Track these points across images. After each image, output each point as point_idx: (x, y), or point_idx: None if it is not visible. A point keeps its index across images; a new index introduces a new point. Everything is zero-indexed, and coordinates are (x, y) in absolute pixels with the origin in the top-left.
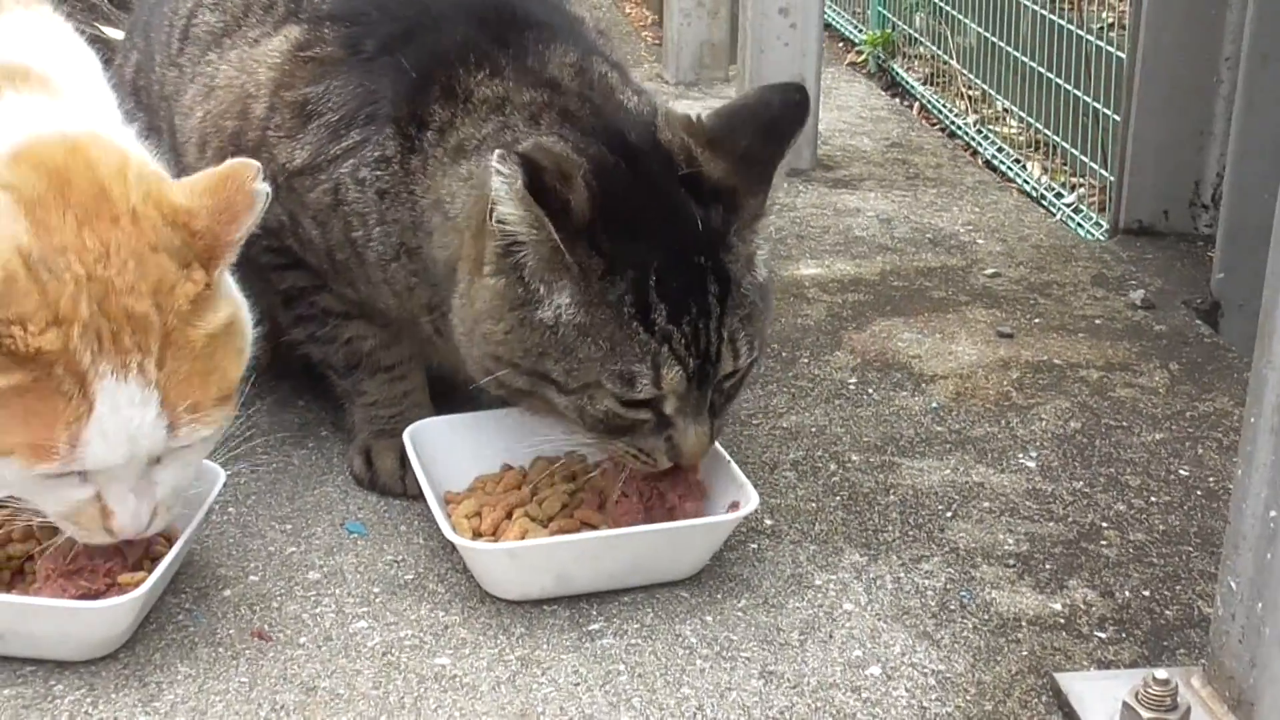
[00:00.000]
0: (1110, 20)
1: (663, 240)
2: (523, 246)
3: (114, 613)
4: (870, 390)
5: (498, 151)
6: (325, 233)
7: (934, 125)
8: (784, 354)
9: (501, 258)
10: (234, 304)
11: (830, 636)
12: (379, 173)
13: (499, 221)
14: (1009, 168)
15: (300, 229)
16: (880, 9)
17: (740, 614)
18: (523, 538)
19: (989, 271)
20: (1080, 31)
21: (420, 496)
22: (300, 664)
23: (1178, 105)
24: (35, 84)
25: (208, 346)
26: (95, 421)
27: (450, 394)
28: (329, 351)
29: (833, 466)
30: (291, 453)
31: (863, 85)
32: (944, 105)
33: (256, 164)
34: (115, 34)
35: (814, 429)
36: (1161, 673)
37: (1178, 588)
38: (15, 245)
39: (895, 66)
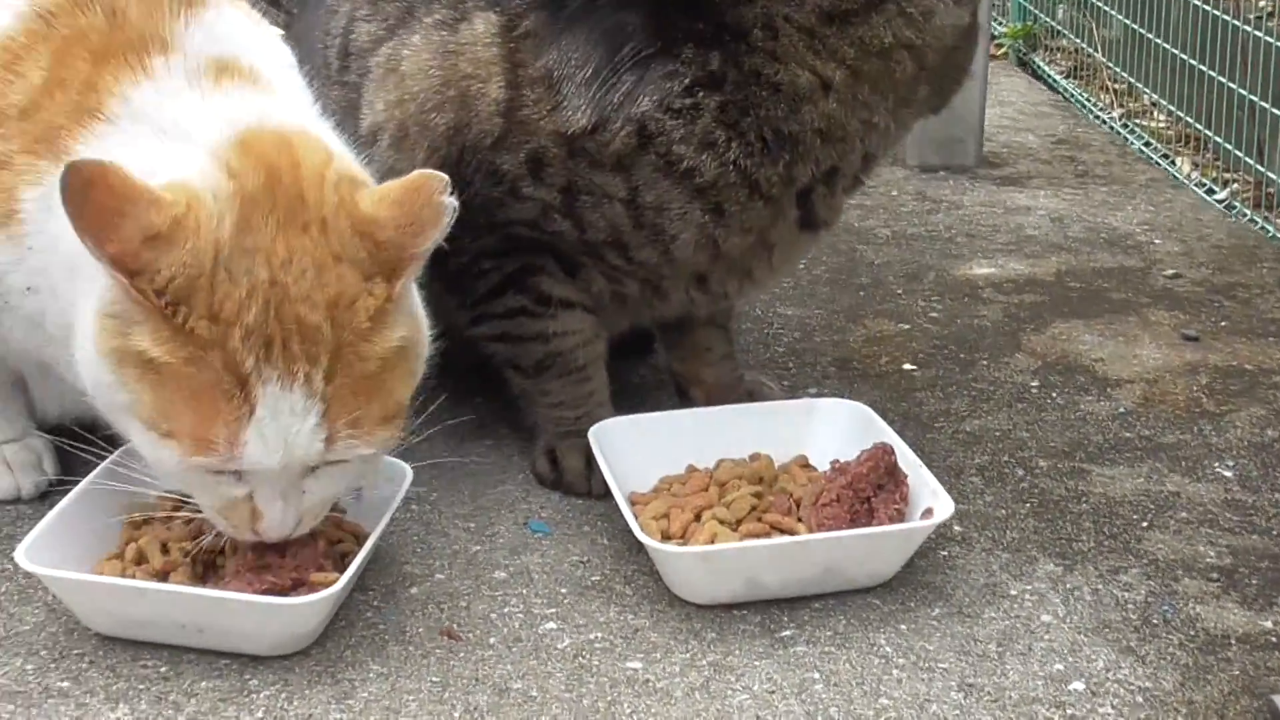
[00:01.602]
0: (1269, 9)
1: None
2: None
3: (309, 609)
4: (1053, 394)
5: None
6: (629, 178)
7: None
8: (962, 355)
9: None
10: (414, 323)
11: (1029, 649)
12: (705, 95)
13: None
14: (1156, 162)
15: (578, 200)
16: (1022, 1)
17: (935, 623)
18: (712, 541)
19: (1169, 272)
20: (1236, 21)
21: (602, 496)
22: (491, 665)
23: None
24: (246, 78)
25: (379, 365)
26: (255, 424)
27: (623, 392)
28: (519, 351)
29: (1020, 472)
30: (470, 450)
31: (1023, 80)
32: (1087, 99)
33: (444, 176)
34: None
35: (998, 433)
36: None
37: None
38: (215, 240)
39: (1036, 59)
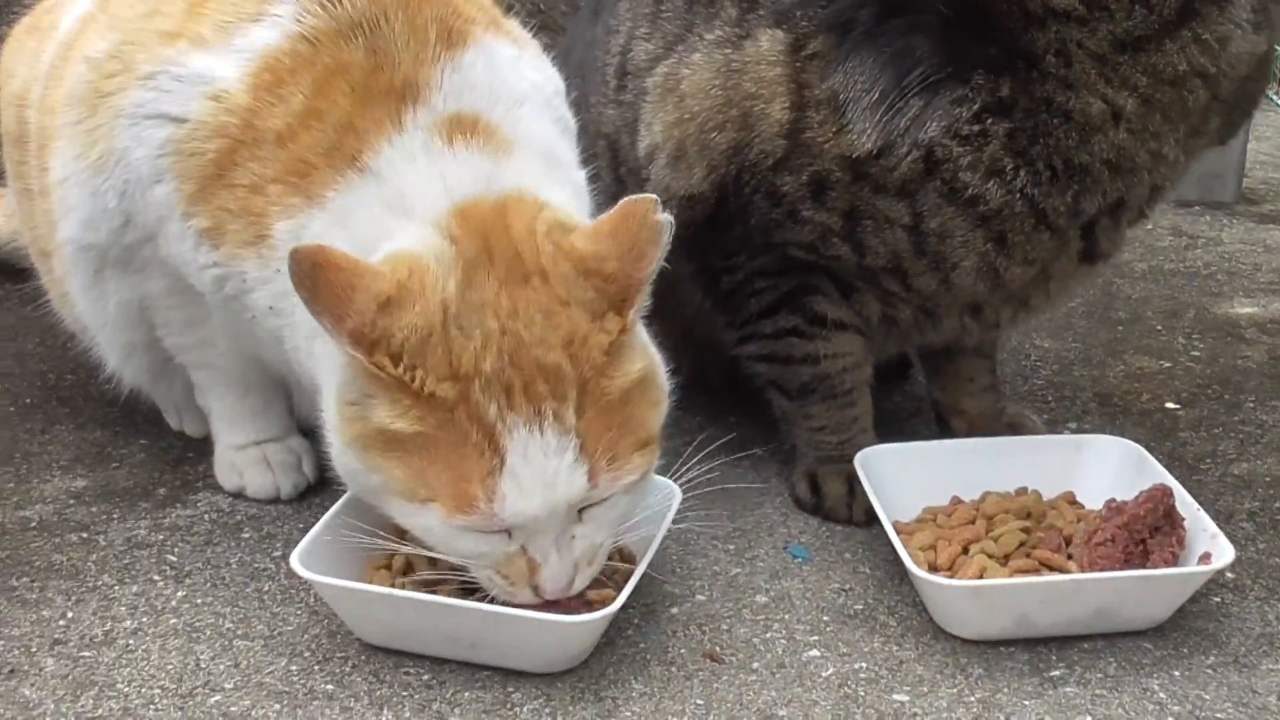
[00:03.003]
0: None
1: None
2: None
3: (587, 628)
4: None
5: None
6: (913, 204)
7: None
8: (1226, 396)
9: None
10: (649, 357)
11: None
12: (994, 122)
13: None
14: None
15: (859, 224)
16: None
17: (1210, 672)
18: (980, 575)
19: None
20: None
21: (863, 523)
22: (755, 690)
23: None
24: (482, 134)
25: (623, 397)
26: (509, 473)
27: (878, 418)
28: (785, 373)
29: None
30: (727, 471)
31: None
32: None
33: (654, 196)
34: None
35: (1268, 479)
36: None
37: None
38: (442, 299)
39: (1269, 93)
